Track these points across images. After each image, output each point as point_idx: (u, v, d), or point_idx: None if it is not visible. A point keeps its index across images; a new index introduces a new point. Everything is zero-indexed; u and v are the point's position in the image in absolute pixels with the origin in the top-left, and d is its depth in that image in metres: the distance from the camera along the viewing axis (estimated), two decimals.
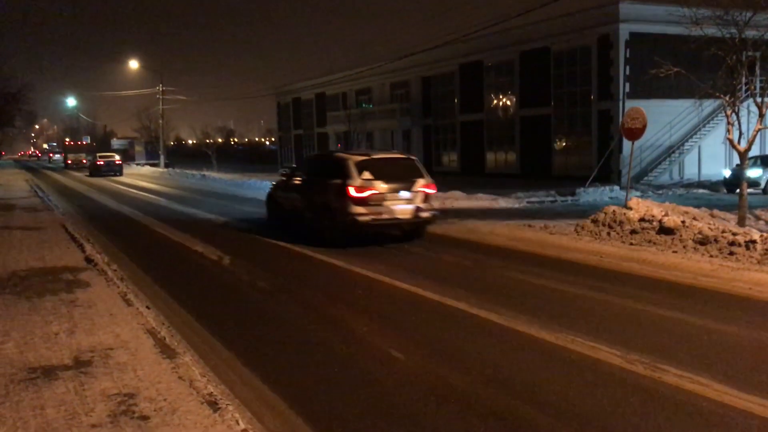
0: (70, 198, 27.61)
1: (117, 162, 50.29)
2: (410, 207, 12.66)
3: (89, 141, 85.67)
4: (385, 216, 12.50)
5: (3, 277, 9.80)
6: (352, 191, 12.27)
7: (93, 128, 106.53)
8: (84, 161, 64.30)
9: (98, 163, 50.02)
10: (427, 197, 12.93)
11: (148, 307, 8.06)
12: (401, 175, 12.78)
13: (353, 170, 12.42)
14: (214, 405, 4.85)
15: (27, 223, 16.84)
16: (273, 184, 16.85)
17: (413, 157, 13.79)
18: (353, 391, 5.42)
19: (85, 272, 10.05)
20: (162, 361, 5.82)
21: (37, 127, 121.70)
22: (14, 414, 4.76)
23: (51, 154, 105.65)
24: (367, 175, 12.39)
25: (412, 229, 13.40)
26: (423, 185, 12.87)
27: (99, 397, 5.04)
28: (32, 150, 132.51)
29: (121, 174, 48.17)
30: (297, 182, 14.76)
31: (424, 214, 12.89)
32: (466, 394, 5.30)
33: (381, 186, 12.42)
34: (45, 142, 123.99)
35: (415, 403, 5.15)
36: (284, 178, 15.89)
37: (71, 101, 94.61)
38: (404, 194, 12.61)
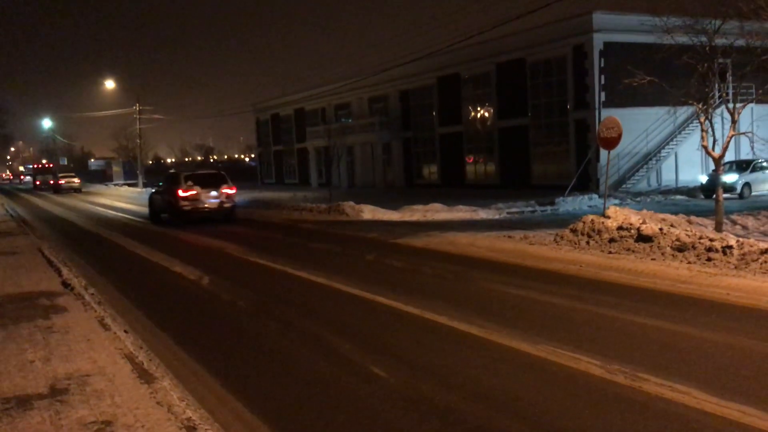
0: (46, 221, 27.31)
1: (76, 182, 59.68)
2: (216, 201, 21.69)
3: (65, 162, 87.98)
4: (199, 206, 21.47)
5: None
6: (180, 192, 21.35)
7: (70, 149, 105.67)
8: (51, 182, 65.47)
9: (60, 182, 59.24)
10: (229, 196, 21.99)
11: (125, 331, 7.96)
12: (212, 183, 21.91)
13: (182, 181, 21.75)
14: (192, 430, 4.79)
15: (2, 248, 16.61)
16: (151, 193, 25.06)
17: (222, 173, 23.36)
18: (335, 409, 5.38)
19: (62, 297, 9.92)
20: (140, 387, 5.74)
21: (12, 149, 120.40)
22: None
23: (22, 176, 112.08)
24: (190, 183, 21.58)
25: (223, 215, 22.02)
26: (226, 188, 21.95)
27: (75, 426, 4.95)
28: (7, 173, 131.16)
29: (80, 191, 56.51)
30: (161, 190, 23.37)
31: (227, 205, 21.93)
32: (448, 410, 5.28)
33: (198, 189, 21.42)
34: (21, 165, 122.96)
35: (397, 420, 5.12)
36: (157, 188, 24.31)
37: (47, 123, 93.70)
38: (213, 194, 21.66)
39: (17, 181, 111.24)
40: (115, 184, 70.87)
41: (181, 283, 11.64)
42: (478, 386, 5.77)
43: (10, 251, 15.80)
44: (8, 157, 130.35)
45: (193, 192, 21.19)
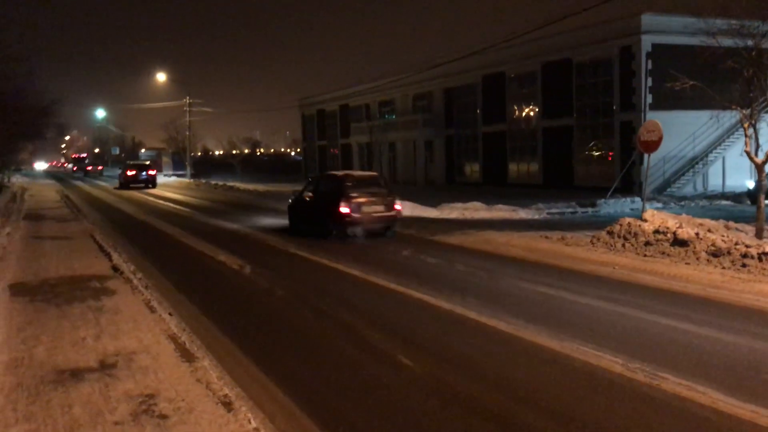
0: (98, 208, 28.28)
1: (99, 168, 63.25)
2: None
3: (117, 152, 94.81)
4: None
5: (34, 284, 10.25)
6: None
7: (122, 139, 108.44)
8: (89, 168, 79.24)
9: (88, 168, 64.73)
10: None
11: (170, 314, 8.41)
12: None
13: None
14: (228, 406, 5.15)
15: (57, 232, 17.40)
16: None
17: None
18: (361, 394, 5.69)
19: (111, 280, 10.47)
20: (181, 365, 6.15)
21: (67, 138, 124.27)
22: (44, 412, 5.10)
23: (64, 164, 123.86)
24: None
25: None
26: None
27: (122, 397, 5.37)
28: (62, 161, 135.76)
29: (102, 175, 56.77)
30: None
31: None
32: (470, 399, 5.54)
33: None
34: (75, 153, 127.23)
35: (419, 405, 5.41)
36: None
37: (100, 113, 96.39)
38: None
39: (61, 168, 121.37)
40: (165, 175, 72.55)
41: (224, 271, 12.10)
42: (501, 378, 6.01)
43: (65, 236, 16.55)
44: (63, 146, 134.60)
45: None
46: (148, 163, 49.18)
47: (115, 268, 11.53)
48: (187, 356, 6.43)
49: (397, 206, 16.22)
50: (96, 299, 9.05)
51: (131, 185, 43.62)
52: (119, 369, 6.07)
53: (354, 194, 15.54)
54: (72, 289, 9.84)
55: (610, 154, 32.37)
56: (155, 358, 6.35)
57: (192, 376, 5.85)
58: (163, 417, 4.96)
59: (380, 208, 15.75)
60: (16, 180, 48.72)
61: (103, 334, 7.28)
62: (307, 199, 17.15)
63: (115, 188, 44.99)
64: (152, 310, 8.43)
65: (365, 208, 15.54)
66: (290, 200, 18.63)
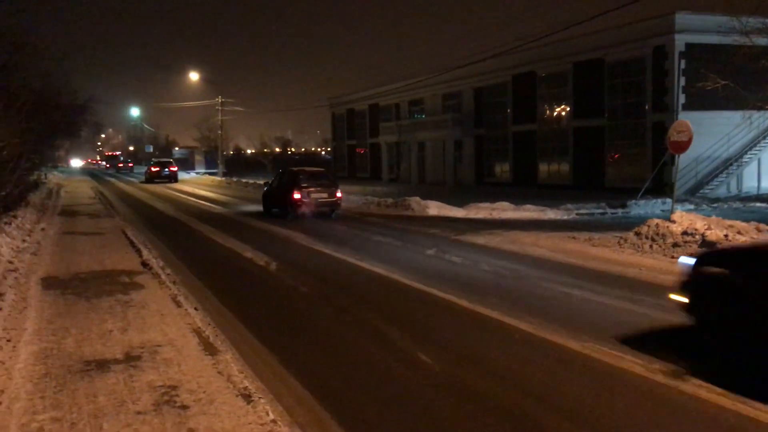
0: (130, 204, 28.77)
1: (130, 164, 70.32)
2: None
3: (151, 150, 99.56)
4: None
5: (65, 278, 10.52)
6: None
7: (155, 138, 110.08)
8: (120, 164, 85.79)
9: (119, 165, 72.65)
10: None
11: (196, 309, 8.57)
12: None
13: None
14: (248, 398, 5.26)
15: (90, 228, 17.79)
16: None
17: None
18: (379, 389, 5.75)
19: (140, 275, 10.69)
20: (204, 358, 6.28)
21: (103, 136, 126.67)
22: (70, 400, 5.26)
23: (97, 161, 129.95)
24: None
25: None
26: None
27: (145, 387, 5.51)
28: (97, 158, 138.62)
29: (131, 172, 60.49)
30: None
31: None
32: (486, 397, 5.57)
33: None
34: (109, 151, 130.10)
35: (435, 402, 5.45)
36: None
37: (135, 111, 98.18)
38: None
39: (95, 165, 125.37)
40: (197, 173, 73.52)
41: (250, 268, 12.26)
42: (520, 377, 6.03)
43: (97, 232, 16.92)
44: (98, 144, 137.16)
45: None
46: (170, 160, 56.36)
47: (145, 264, 11.76)
48: (211, 350, 6.56)
49: (338, 194, 21.68)
50: (124, 293, 9.26)
51: (155, 180, 50.23)
52: (144, 361, 6.22)
53: (305, 185, 20.85)
54: (102, 283, 10.07)
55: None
56: (179, 351, 6.49)
57: (213, 368, 5.97)
58: (184, 407, 5.08)
59: (325, 195, 21.09)
60: (53, 177, 49.73)
61: (129, 327, 7.45)
62: (274, 188, 22.69)
63: (141, 182, 50.93)
64: (178, 304, 8.60)
65: (313, 195, 20.81)
66: (264, 189, 24.29)
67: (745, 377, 5.85)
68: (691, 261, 6.86)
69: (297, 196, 20.55)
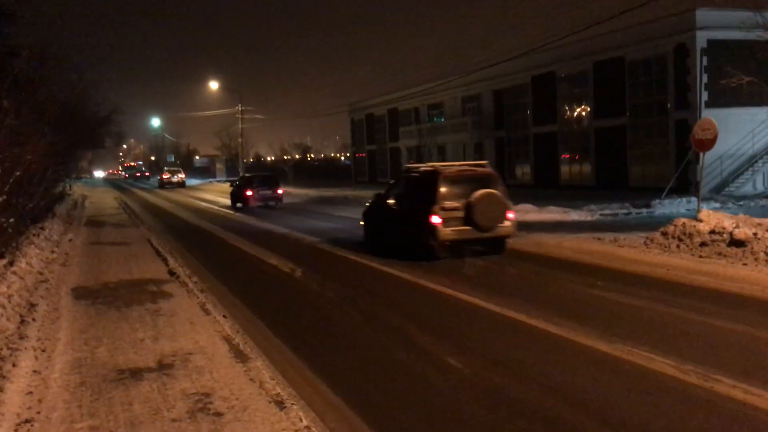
0: (155, 214, 29.07)
1: (146, 174, 78.90)
2: None
3: (172, 159, 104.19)
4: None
5: (95, 288, 10.67)
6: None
7: (177, 147, 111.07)
8: (137, 174, 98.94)
9: (137, 174, 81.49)
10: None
11: (224, 316, 8.64)
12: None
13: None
14: (280, 404, 5.30)
15: (116, 238, 18.02)
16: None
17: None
18: (410, 395, 5.76)
19: (168, 284, 10.81)
20: (236, 365, 6.34)
21: (125, 146, 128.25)
22: (106, 409, 5.34)
23: (118, 171, 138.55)
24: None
25: None
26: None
27: (179, 395, 5.57)
28: (119, 169, 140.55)
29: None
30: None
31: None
32: (518, 400, 5.55)
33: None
34: (132, 161, 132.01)
35: (468, 407, 5.45)
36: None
37: (156, 122, 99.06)
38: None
39: (117, 175, 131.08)
40: (218, 181, 74.06)
41: (276, 274, 12.34)
42: (549, 380, 6.00)
43: (123, 242, 17.13)
44: (120, 154, 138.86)
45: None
46: (179, 169, 69.26)
47: (172, 272, 11.89)
48: (241, 357, 6.61)
49: (279, 191, 30.92)
50: (153, 302, 9.36)
51: (166, 185, 60.40)
52: (176, 369, 6.29)
53: (255, 184, 30.47)
54: (130, 292, 10.20)
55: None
56: (210, 359, 6.56)
57: (246, 375, 6.02)
58: (218, 414, 5.13)
59: (269, 192, 30.47)
60: (77, 188, 50.40)
61: (160, 335, 7.54)
62: (239, 185, 31.79)
63: (155, 188, 60.42)
64: (207, 312, 8.68)
65: (260, 192, 30.14)
66: (232, 188, 32.07)
67: None
68: None
69: (249, 193, 30.08)
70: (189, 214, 28.54)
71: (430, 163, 15.97)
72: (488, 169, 13.92)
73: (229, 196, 33.09)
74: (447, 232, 12.64)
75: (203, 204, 34.34)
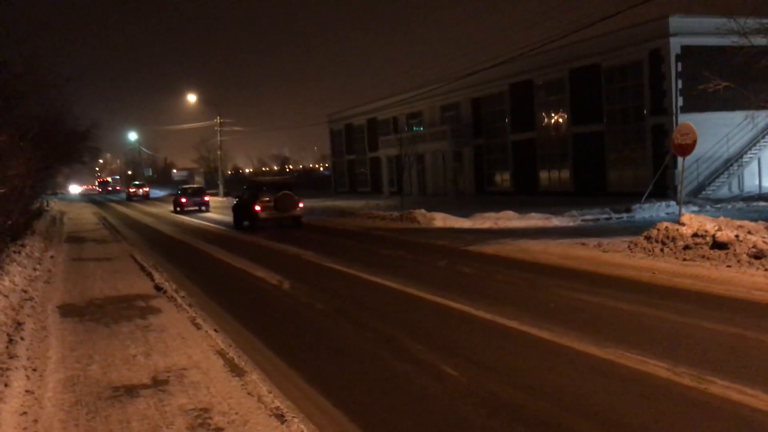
0: (135, 228, 28.81)
1: (117, 188, 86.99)
2: None
3: (150, 173, 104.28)
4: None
5: (81, 305, 10.54)
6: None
7: (154, 161, 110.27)
8: (109, 189, 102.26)
9: (108, 189, 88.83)
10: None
11: (215, 330, 8.58)
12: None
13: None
14: (281, 417, 5.28)
15: (98, 254, 17.82)
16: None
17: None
18: (408, 404, 5.77)
19: (155, 299, 10.71)
20: (232, 379, 6.30)
21: (101, 161, 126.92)
22: (104, 427, 5.28)
23: (92, 186, 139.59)
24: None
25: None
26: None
27: (177, 411, 5.52)
28: (95, 184, 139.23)
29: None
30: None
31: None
32: (516, 406, 5.58)
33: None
34: (108, 176, 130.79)
35: (467, 414, 5.47)
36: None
37: (132, 135, 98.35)
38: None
39: (92, 190, 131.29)
40: None
41: (263, 286, 12.29)
42: (545, 386, 6.04)
43: (106, 257, 16.95)
44: (97, 168, 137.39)
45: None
46: (144, 183, 74.17)
47: (158, 287, 11.78)
48: (237, 371, 6.58)
49: (206, 198, 39.10)
50: (142, 318, 9.28)
51: (133, 199, 65.21)
52: (172, 385, 6.23)
53: (187, 194, 39.37)
54: (118, 308, 10.09)
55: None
56: (206, 374, 6.51)
57: (243, 389, 5.99)
58: (219, 429, 5.10)
59: (198, 199, 39.43)
60: (54, 203, 49.75)
61: (152, 351, 7.47)
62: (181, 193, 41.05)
63: (123, 201, 65.87)
64: (198, 327, 8.61)
65: (192, 199, 38.95)
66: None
67: None
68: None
69: (183, 200, 39.70)
70: (170, 228, 28.28)
71: (257, 177, 34.62)
72: (288, 179, 26.51)
73: (214, 210, 32.86)
74: (263, 214, 23.43)
75: (199, 223, 33.60)
